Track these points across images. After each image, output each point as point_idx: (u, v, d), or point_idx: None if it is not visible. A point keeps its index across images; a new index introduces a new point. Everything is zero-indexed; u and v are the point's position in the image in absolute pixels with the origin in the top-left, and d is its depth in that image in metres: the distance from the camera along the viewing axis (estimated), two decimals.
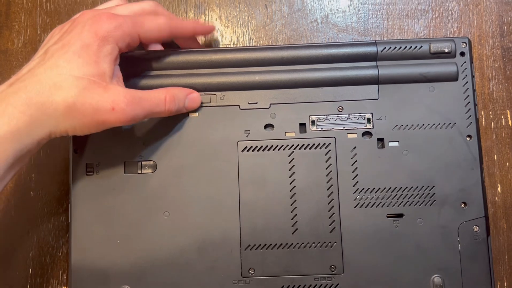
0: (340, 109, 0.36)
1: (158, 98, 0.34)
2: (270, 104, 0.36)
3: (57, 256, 0.40)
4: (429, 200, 0.35)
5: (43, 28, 0.44)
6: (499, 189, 0.40)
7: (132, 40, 0.33)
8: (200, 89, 0.36)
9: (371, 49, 0.36)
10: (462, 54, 0.36)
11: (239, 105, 0.36)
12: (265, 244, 0.35)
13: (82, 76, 0.31)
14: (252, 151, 0.36)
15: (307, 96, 0.36)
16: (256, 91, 0.36)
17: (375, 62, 0.36)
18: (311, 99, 0.36)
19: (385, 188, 0.35)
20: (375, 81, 0.36)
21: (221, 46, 0.43)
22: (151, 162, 0.36)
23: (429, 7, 0.42)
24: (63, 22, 0.35)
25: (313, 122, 0.36)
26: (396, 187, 0.35)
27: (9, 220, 0.41)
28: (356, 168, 0.35)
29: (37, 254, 0.40)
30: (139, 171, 0.36)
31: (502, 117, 0.41)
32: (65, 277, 0.40)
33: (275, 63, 0.36)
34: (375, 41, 0.36)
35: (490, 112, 0.41)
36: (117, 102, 0.31)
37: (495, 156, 0.40)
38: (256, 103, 0.36)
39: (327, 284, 0.34)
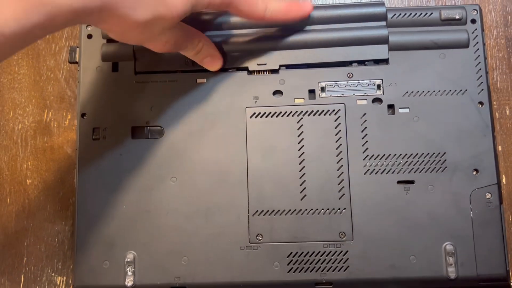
0: (350, 75, 0.36)
1: None
2: (280, 65, 0.36)
3: (53, 244, 0.39)
4: (440, 167, 0.34)
5: None
6: (504, 180, 0.39)
7: None
8: None
9: (379, 10, 0.36)
10: (473, 21, 0.36)
11: (248, 67, 0.36)
12: (273, 210, 0.34)
13: None
14: (261, 117, 0.35)
15: (317, 57, 0.36)
16: (265, 53, 0.36)
17: (385, 22, 0.36)
18: (320, 60, 0.36)
19: (395, 154, 0.35)
20: (385, 40, 0.35)
21: None
22: (159, 128, 0.35)
23: None
24: None
25: (322, 89, 0.35)
26: (406, 154, 0.34)
27: (4, 208, 0.40)
28: (366, 134, 0.35)
29: (32, 243, 0.39)
30: (147, 137, 0.35)
31: (507, 107, 0.40)
32: (60, 266, 0.39)
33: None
34: (383, 2, 0.36)
35: (495, 103, 0.40)
36: None
37: (500, 147, 0.39)
38: (265, 64, 0.36)
39: (336, 251, 0.34)
